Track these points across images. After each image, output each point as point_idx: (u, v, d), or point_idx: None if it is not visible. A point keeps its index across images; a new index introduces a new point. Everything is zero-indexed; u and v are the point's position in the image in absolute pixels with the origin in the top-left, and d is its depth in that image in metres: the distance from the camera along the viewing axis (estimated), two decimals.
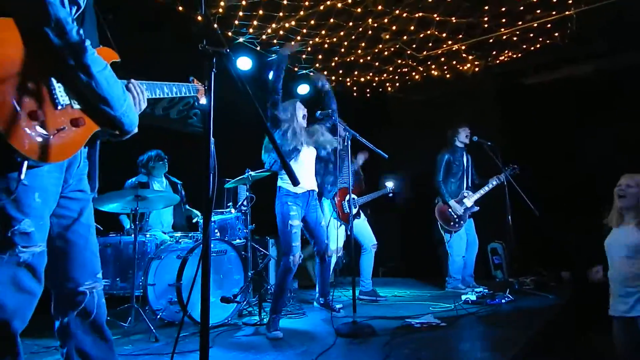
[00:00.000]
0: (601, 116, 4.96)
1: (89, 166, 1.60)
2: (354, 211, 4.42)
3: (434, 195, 4.97)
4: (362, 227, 4.56)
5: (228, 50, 1.45)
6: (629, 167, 2.78)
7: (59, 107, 1.30)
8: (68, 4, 1.29)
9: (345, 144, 3.32)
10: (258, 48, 4.87)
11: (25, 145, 1.20)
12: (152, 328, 2.93)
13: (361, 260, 4.54)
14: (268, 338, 2.93)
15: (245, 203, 3.98)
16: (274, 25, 4.51)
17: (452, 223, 4.79)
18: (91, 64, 1.30)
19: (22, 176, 1.24)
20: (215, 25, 4.31)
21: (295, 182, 1.41)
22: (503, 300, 3.84)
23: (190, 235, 3.74)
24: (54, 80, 1.30)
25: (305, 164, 3.38)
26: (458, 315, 3.43)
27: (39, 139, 1.24)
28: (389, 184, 4.78)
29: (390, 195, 4.84)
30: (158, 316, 3.23)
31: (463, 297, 3.98)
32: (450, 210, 4.79)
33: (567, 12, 4.51)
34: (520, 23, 4.74)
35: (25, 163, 1.24)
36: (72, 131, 1.34)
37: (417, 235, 5.78)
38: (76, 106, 1.36)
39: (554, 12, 4.54)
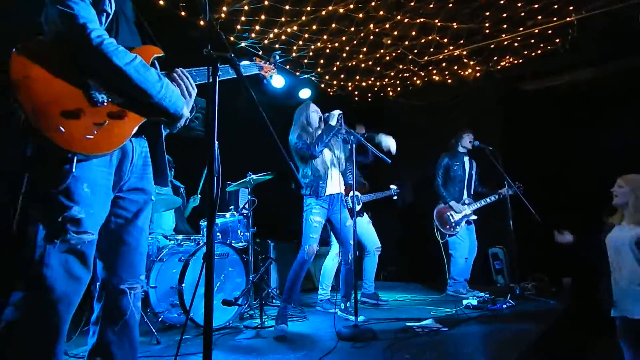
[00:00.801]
0: (601, 121, 4.97)
1: (155, 161, 1.69)
2: (358, 208, 4.42)
3: (434, 200, 4.98)
4: (366, 229, 4.56)
5: (232, 55, 1.48)
6: (629, 171, 2.80)
7: (98, 105, 1.42)
8: (97, 15, 1.43)
9: (350, 148, 3.34)
10: (260, 52, 4.90)
11: (69, 142, 1.34)
12: (154, 331, 2.94)
13: (364, 263, 4.54)
14: (275, 328, 3.08)
15: (247, 206, 4.00)
16: (276, 30, 4.54)
17: (448, 226, 4.80)
18: (117, 60, 1.40)
19: (73, 169, 1.35)
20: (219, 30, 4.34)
21: (298, 185, 1.43)
22: (504, 306, 3.84)
23: (192, 238, 3.75)
24: (89, 81, 1.41)
25: (329, 168, 3.47)
26: (459, 319, 3.43)
27: (82, 135, 1.37)
28: (394, 186, 4.77)
29: (395, 197, 4.82)
30: (160, 319, 3.23)
31: (464, 302, 3.98)
32: (449, 213, 4.80)
33: (567, 19, 4.53)
34: (521, 29, 4.76)
35: (75, 157, 1.36)
36: (114, 124, 1.46)
37: (418, 239, 5.78)
38: (115, 101, 1.46)
39: (554, 18, 4.56)
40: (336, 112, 3.42)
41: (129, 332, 1.58)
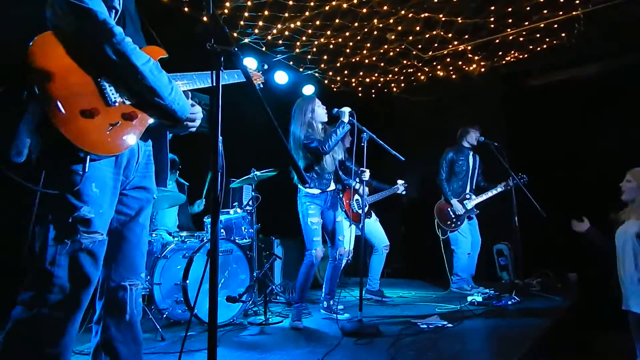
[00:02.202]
0: (607, 116, 4.93)
1: (157, 160, 1.70)
2: (365, 209, 4.40)
3: (438, 196, 4.95)
4: (374, 227, 4.55)
5: (236, 49, 1.46)
6: (635, 166, 2.78)
7: (111, 104, 1.41)
8: (106, 9, 1.40)
9: (362, 144, 3.32)
10: (264, 48, 4.88)
11: (84, 141, 1.33)
12: (159, 327, 2.94)
13: (371, 260, 4.53)
14: (290, 327, 3.22)
15: (250, 203, 3.99)
16: (279, 26, 4.52)
17: (449, 222, 4.78)
18: (135, 59, 1.40)
19: (87, 169, 1.35)
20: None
21: (304, 181, 1.41)
22: (509, 302, 3.83)
23: (196, 235, 3.75)
24: (104, 81, 1.41)
25: (326, 164, 3.48)
26: (464, 316, 3.42)
27: (96, 134, 1.36)
28: (400, 182, 4.69)
29: (404, 193, 4.68)
30: (164, 315, 3.24)
31: (469, 299, 3.97)
32: (450, 209, 4.78)
33: (574, 13, 4.48)
34: (526, 23, 4.71)
35: (88, 157, 1.35)
36: (126, 125, 1.45)
37: (422, 236, 5.76)
38: (128, 102, 1.46)
39: (560, 13, 4.52)
40: (347, 109, 3.38)
41: (132, 329, 1.58)
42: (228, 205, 4.38)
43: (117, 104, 1.43)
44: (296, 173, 1.45)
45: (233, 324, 3.35)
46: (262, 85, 2.22)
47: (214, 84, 1.51)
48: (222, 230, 3.88)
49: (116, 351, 1.54)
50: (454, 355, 2.53)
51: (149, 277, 3.35)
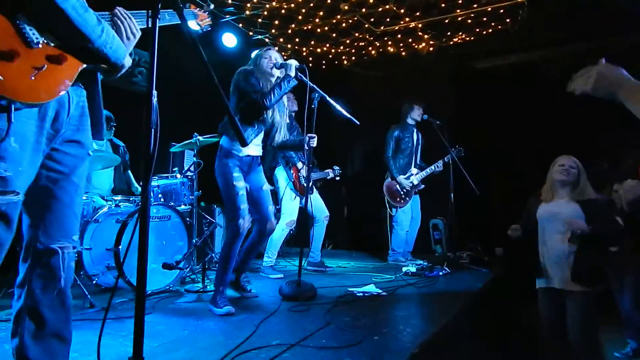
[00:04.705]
0: (545, 101, 5.23)
1: (92, 111, 1.53)
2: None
3: (383, 171, 5.07)
4: (315, 199, 4.58)
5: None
6: (567, 149, 2.95)
7: (34, 46, 1.25)
8: None
9: (313, 105, 3.01)
10: (211, 6, 4.62)
11: (4, 87, 1.18)
12: (87, 294, 2.81)
13: (313, 231, 4.58)
14: (218, 315, 2.65)
15: (192, 168, 3.85)
16: None
17: (398, 199, 4.93)
18: None
19: (12, 119, 1.20)
20: None
21: (243, 142, 1.36)
22: (440, 273, 4.05)
23: (131, 199, 3.57)
24: (22, 19, 1.24)
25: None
26: (398, 285, 3.58)
27: (18, 80, 1.22)
28: (337, 167, 4.82)
29: (337, 178, 4.88)
30: (94, 282, 3.09)
31: (404, 269, 4.15)
32: (397, 186, 4.92)
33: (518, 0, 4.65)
34: (475, 6, 4.83)
35: (13, 107, 1.20)
36: (54, 69, 1.29)
37: (365, 209, 5.90)
38: (53, 44, 1.29)
39: None
40: (294, 62, 2.90)
41: (61, 294, 1.47)
42: (168, 170, 4.21)
43: (40, 45, 1.27)
44: (236, 133, 1.39)
45: (169, 291, 3.27)
46: (209, 28, 2.07)
47: (150, 36, 1.40)
48: (160, 196, 3.73)
49: (42, 316, 1.42)
50: (385, 320, 2.65)
51: (78, 242, 3.16)
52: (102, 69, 1.48)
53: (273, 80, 2.96)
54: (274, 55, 2.99)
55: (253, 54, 3.08)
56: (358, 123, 3.13)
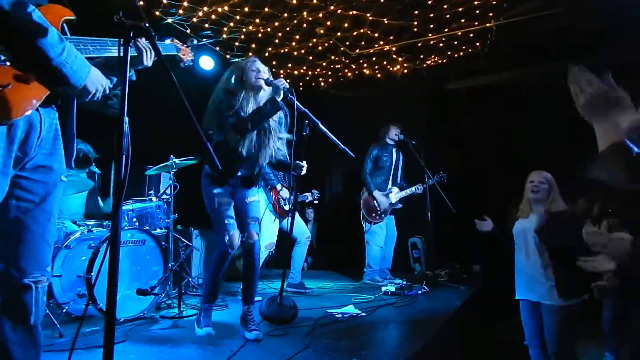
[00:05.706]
0: (515, 121, 5.41)
1: (63, 135, 1.47)
2: (287, 208, 4.41)
3: (359, 191, 5.12)
4: (296, 220, 4.56)
5: (147, 25, 1.37)
6: (538, 166, 3.03)
7: (1, 64, 1.22)
8: None
9: (304, 133, 2.84)
10: (188, 30, 4.66)
11: None
12: (57, 323, 2.70)
13: (293, 252, 4.55)
14: (198, 335, 2.62)
15: (168, 191, 3.80)
16: (205, 9, 4.33)
17: (374, 214, 4.96)
18: (8, 6, 1.15)
19: None
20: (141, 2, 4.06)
21: (215, 168, 1.36)
22: (419, 292, 4.07)
23: (105, 224, 3.49)
24: None
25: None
26: (377, 305, 3.57)
27: None
28: (315, 191, 4.94)
29: (316, 202, 5.05)
30: (64, 310, 2.97)
31: (383, 289, 4.16)
32: (374, 202, 4.96)
33: (487, 24, 4.84)
34: (446, 30, 5.00)
35: None
36: (20, 88, 1.25)
37: (344, 229, 5.91)
38: (3, 57, 1.24)
39: (476, 23, 4.84)
40: (282, 83, 2.68)
41: (33, 330, 1.40)
42: (143, 194, 4.13)
43: (7, 64, 1.23)
44: (208, 161, 1.39)
45: (143, 317, 3.18)
46: (192, 63, 2.08)
47: (122, 64, 1.40)
48: (134, 220, 3.66)
49: (10, 354, 1.35)
50: (365, 342, 2.63)
51: (51, 272, 3.06)
52: (75, 95, 1.44)
53: (260, 94, 2.75)
54: (262, 69, 2.80)
55: (234, 65, 2.89)
56: (353, 156, 2.88)
